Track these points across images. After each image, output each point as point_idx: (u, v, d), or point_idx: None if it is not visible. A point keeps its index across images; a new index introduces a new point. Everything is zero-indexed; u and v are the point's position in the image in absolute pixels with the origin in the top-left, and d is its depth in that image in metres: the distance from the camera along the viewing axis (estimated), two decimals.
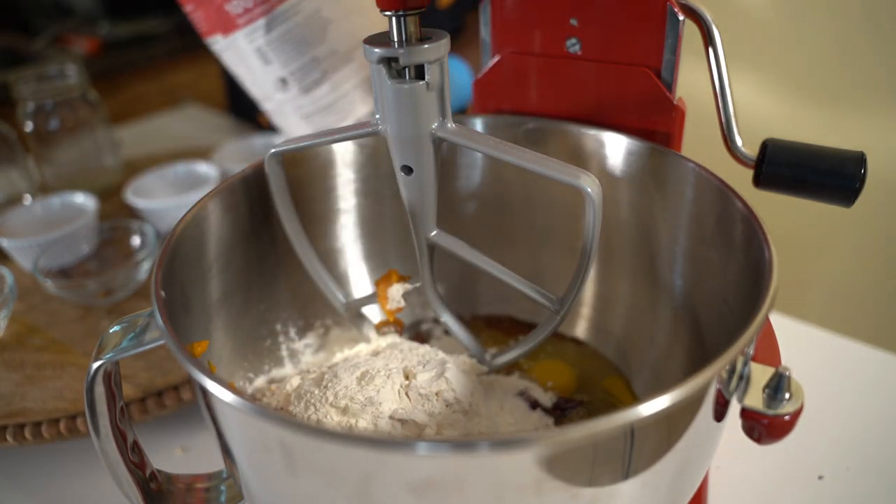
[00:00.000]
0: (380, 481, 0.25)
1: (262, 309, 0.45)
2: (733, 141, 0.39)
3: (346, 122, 0.62)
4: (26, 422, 0.47)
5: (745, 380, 0.27)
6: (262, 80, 0.60)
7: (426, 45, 0.32)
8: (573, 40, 0.41)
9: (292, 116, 0.62)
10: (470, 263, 0.40)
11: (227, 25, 0.56)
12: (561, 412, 0.42)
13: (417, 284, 0.45)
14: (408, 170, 0.37)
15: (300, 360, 0.47)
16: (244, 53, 0.58)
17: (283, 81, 0.59)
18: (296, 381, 0.41)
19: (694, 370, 0.24)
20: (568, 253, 0.47)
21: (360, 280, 0.49)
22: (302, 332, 0.47)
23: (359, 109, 0.62)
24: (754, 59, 0.80)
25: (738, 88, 0.41)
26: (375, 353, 0.44)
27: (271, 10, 0.55)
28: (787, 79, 0.80)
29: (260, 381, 0.44)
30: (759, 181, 0.38)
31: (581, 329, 0.48)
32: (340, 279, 0.48)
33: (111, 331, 0.32)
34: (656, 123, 0.41)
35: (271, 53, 0.57)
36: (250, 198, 0.42)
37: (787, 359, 0.29)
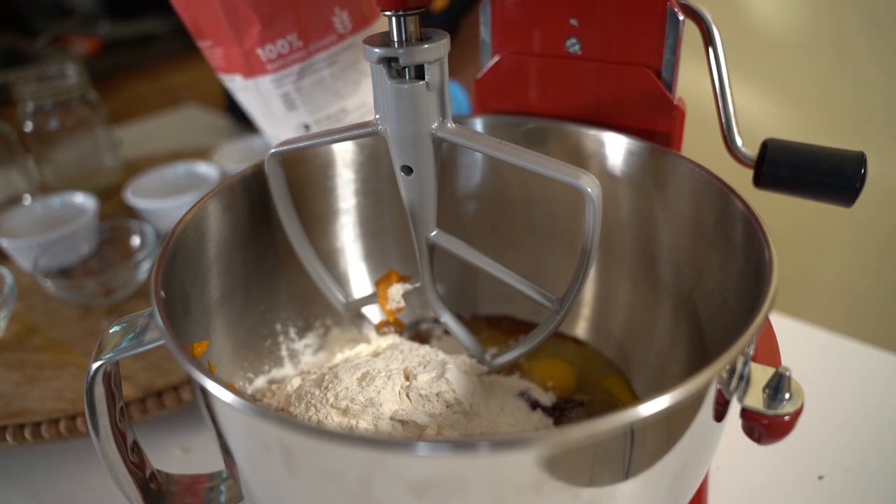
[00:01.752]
0: (380, 482, 0.25)
1: (262, 309, 0.45)
2: (733, 141, 0.39)
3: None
4: (26, 422, 0.47)
5: (745, 380, 0.27)
6: (282, 123, 0.56)
7: (426, 46, 0.32)
8: (573, 40, 0.41)
9: None
10: (470, 263, 0.40)
11: (254, 69, 0.52)
12: (561, 412, 0.42)
13: (417, 284, 0.45)
14: (408, 170, 0.37)
15: (300, 360, 0.47)
16: (267, 97, 0.54)
17: (307, 128, 0.56)
18: (296, 382, 0.41)
19: (694, 370, 0.24)
20: (568, 253, 0.47)
21: (360, 280, 0.49)
22: (302, 333, 0.47)
23: None
24: (754, 61, 0.80)
25: (738, 91, 0.41)
26: (376, 354, 0.44)
27: (308, 58, 0.52)
28: (787, 81, 0.81)
29: (260, 382, 0.44)
30: (759, 181, 0.38)
31: (581, 329, 0.48)
32: (340, 279, 0.48)
33: (111, 331, 0.32)
34: (656, 123, 0.41)
35: (299, 100, 0.54)
36: (250, 198, 0.42)
37: (787, 359, 0.29)
